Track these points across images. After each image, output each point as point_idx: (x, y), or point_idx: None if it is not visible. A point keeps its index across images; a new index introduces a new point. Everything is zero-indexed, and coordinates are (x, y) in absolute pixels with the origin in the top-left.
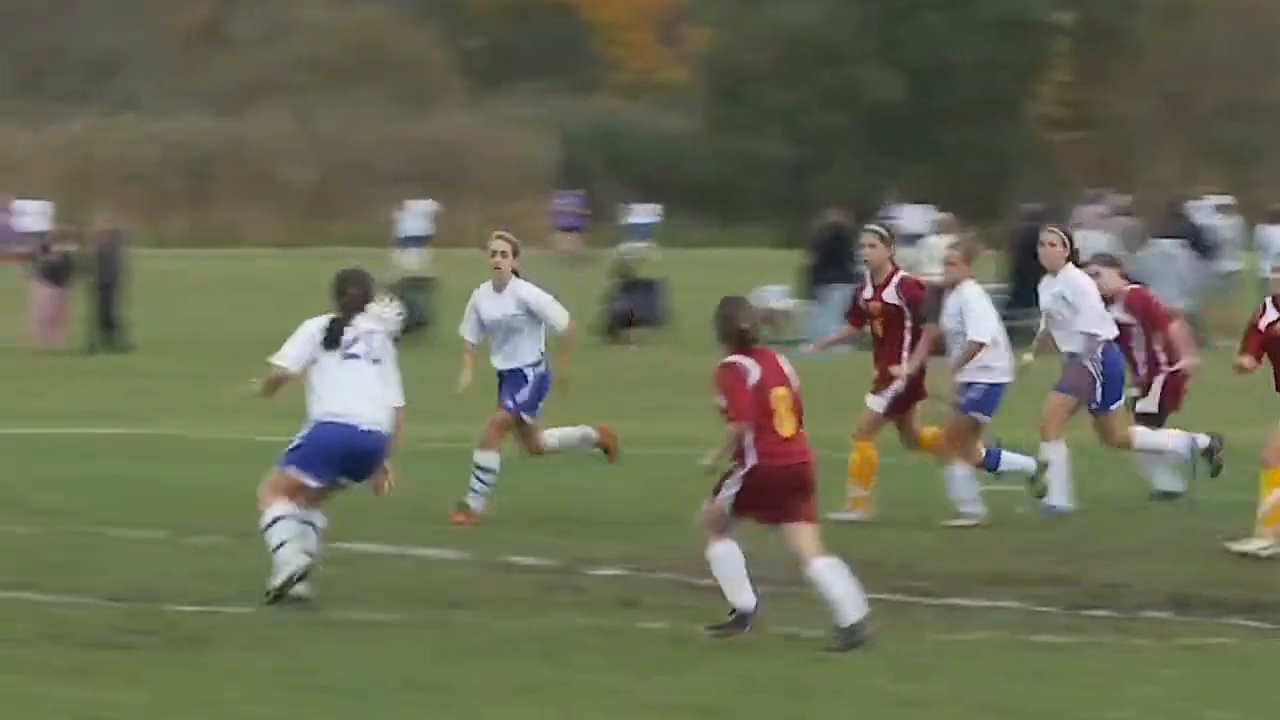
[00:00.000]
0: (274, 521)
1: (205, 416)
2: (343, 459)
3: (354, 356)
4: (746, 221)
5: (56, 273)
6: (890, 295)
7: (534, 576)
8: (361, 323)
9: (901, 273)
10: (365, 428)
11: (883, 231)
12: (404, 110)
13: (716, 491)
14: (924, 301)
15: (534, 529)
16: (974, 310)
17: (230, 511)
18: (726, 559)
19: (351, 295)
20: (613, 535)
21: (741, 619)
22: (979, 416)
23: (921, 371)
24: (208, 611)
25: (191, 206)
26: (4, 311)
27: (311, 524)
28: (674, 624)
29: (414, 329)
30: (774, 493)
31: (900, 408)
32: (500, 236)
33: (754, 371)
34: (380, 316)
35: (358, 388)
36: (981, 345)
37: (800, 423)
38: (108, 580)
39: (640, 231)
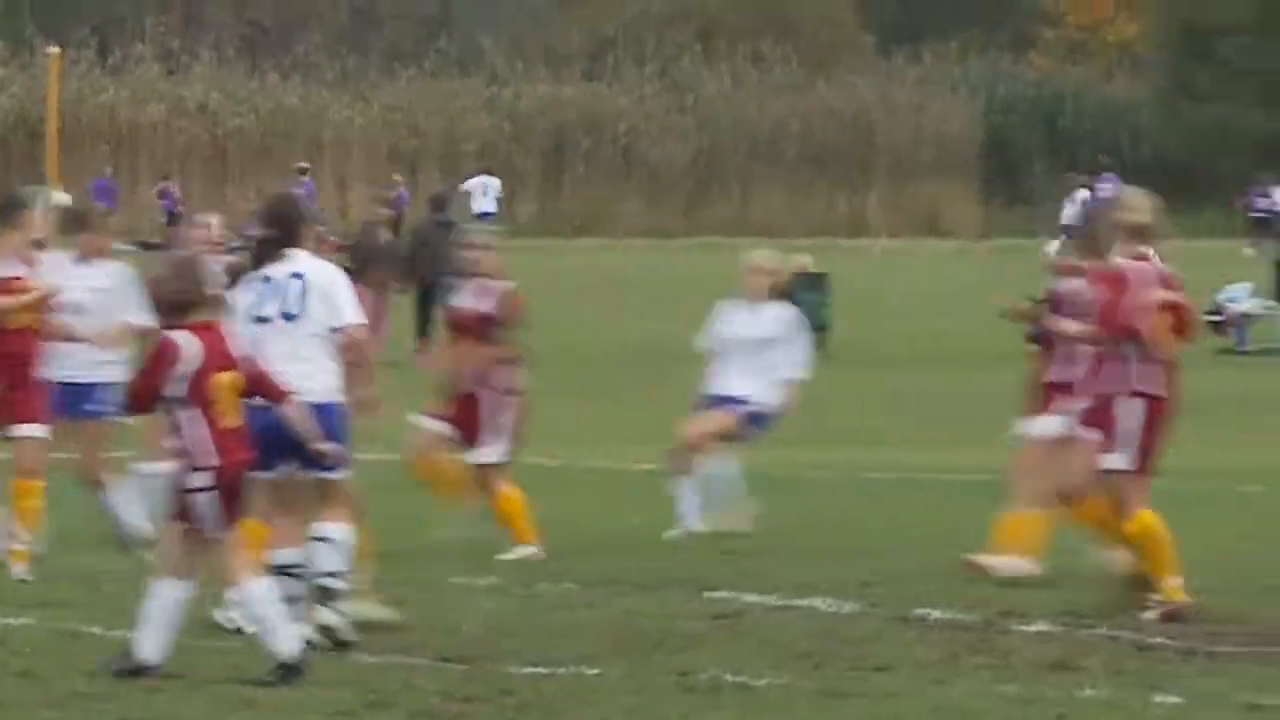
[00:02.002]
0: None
1: (561, 440)
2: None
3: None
4: (1212, 207)
5: (369, 267)
6: None
7: (948, 634)
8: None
9: None
10: None
11: None
12: (797, 74)
13: (177, 517)
14: None
15: (948, 575)
16: None
17: (582, 553)
18: (165, 602)
19: None
20: (1041, 583)
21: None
22: None
23: None
24: (554, 675)
25: (542, 189)
26: None
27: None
28: (1116, 692)
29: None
30: (237, 500)
31: None
32: None
33: (192, 351)
34: None
35: None
36: None
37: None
38: (439, 637)
39: None
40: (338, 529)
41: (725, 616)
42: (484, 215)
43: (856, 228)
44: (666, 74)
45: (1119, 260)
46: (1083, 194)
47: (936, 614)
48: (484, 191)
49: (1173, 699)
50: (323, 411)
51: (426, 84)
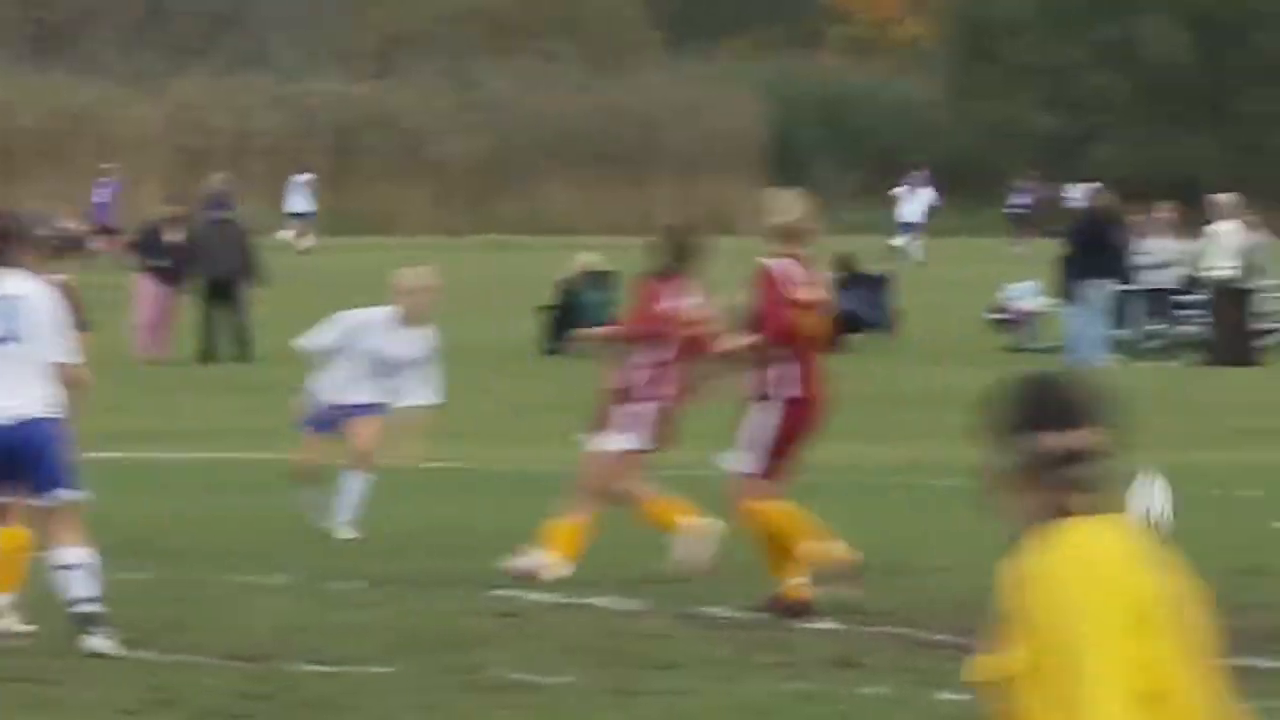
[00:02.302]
0: None
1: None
2: None
3: None
4: (997, 205)
5: (165, 267)
6: None
7: (734, 632)
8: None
9: None
10: None
11: None
12: (586, 72)
13: None
14: None
15: (736, 575)
16: None
17: (371, 552)
18: None
19: None
20: (826, 581)
21: None
22: None
23: None
24: (341, 672)
25: (331, 187)
26: (104, 311)
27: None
28: (900, 690)
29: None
30: None
31: None
32: None
33: None
34: None
35: None
36: None
37: None
38: (226, 636)
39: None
40: (79, 552)
41: (512, 615)
42: (301, 215)
43: (644, 225)
44: (455, 72)
45: (765, 261)
46: (902, 189)
47: (723, 611)
48: (302, 190)
49: (957, 696)
50: (32, 429)
51: (216, 81)
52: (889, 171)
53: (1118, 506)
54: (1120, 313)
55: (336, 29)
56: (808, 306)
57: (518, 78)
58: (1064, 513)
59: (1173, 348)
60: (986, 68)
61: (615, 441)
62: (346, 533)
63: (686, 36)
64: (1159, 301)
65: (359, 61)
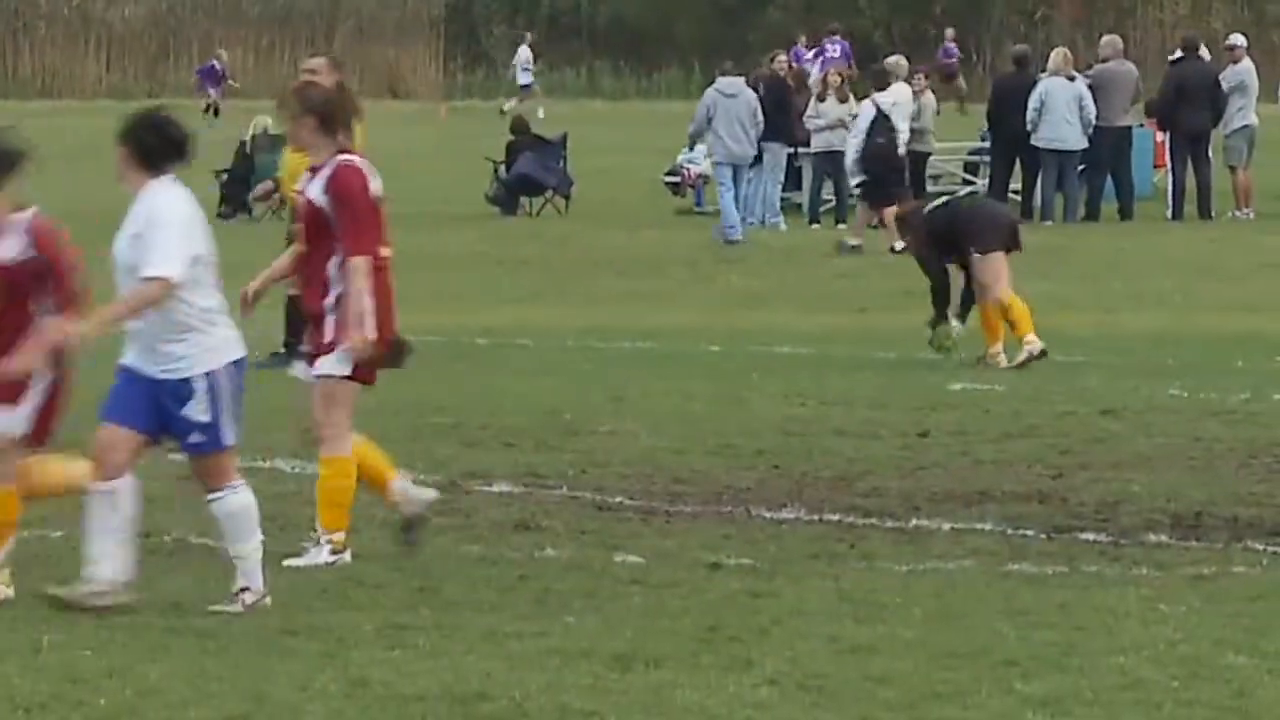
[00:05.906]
0: None
1: None
2: None
3: None
4: (669, 69)
5: None
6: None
7: None
8: None
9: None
10: None
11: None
12: None
13: None
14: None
15: (411, 438)
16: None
17: None
18: None
19: None
20: (503, 444)
21: None
22: None
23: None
24: None
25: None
26: None
27: None
28: (577, 552)
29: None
30: None
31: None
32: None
33: None
34: None
35: None
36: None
37: None
38: None
39: None
40: None
41: (186, 477)
42: None
43: None
44: None
45: None
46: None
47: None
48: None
49: (634, 558)
50: None
51: None
52: (562, 37)
53: None
54: (793, 175)
55: None
56: None
57: None
58: None
59: (844, 210)
60: None
61: None
62: None
63: None
64: (831, 164)
65: None
